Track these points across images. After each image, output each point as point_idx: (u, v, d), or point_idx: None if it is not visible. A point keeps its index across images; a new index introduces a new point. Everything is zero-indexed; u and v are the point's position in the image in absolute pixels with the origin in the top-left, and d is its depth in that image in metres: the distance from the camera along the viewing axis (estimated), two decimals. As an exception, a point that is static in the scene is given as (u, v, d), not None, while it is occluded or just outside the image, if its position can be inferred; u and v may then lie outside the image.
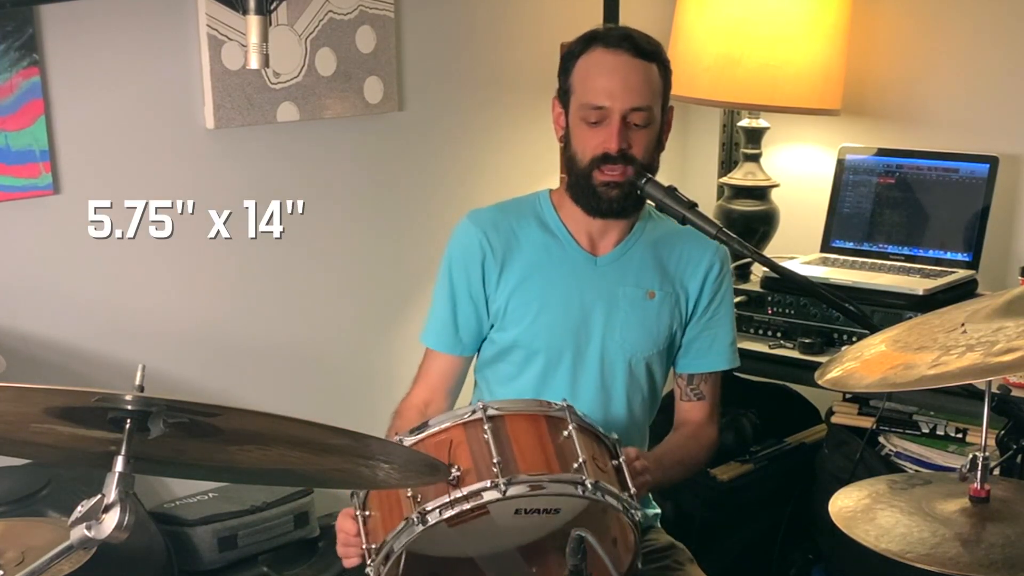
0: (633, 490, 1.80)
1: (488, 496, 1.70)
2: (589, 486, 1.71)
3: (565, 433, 1.78)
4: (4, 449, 1.69)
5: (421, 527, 1.70)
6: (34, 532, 1.71)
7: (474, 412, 1.79)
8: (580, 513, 1.83)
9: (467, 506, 1.70)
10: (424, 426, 1.81)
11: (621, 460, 1.84)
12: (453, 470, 1.72)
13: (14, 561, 1.59)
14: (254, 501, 2.52)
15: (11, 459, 2.09)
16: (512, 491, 1.69)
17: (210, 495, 2.55)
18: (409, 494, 1.73)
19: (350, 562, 1.89)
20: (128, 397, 1.35)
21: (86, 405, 1.37)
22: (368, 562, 1.76)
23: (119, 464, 1.38)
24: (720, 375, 2.31)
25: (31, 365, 2.34)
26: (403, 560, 1.76)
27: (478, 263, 2.23)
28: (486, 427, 1.75)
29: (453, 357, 2.28)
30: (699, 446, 2.26)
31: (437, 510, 1.71)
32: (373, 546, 1.76)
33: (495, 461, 1.71)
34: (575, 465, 1.73)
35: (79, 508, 1.37)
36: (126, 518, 1.37)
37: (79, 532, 1.37)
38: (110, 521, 1.36)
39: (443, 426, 1.80)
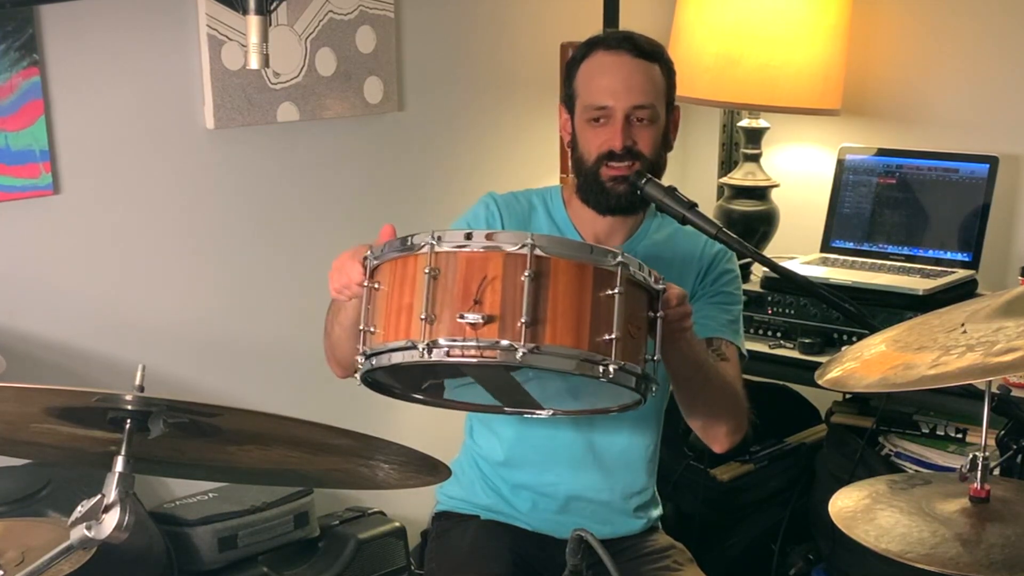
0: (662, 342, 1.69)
1: (505, 358, 1.56)
2: (612, 370, 1.59)
3: (609, 292, 1.61)
4: (4, 449, 1.70)
5: (427, 356, 1.56)
6: (34, 532, 1.70)
7: (521, 246, 1.58)
8: None
9: (483, 358, 1.56)
10: (470, 234, 1.61)
11: (659, 313, 1.71)
12: (479, 308, 1.55)
13: (14, 561, 1.59)
14: (254, 501, 2.52)
15: (11, 459, 2.09)
16: (533, 361, 1.56)
17: (210, 495, 2.55)
18: (421, 313, 1.56)
19: (339, 296, 1.80)
20: (128, 397, 1.35)
21: (86, 405, 1.38)
22: (359, 358, 1.65)
23: (119, 464, 1.38)
24: (736, 353, 2.19)
25: (31, 365, 2.34)
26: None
27: (485, 222, 2.19)
28: (526, 273, 1.56)
29: None
30: (731, 379, 2.12)
31: (446, 348, 1.56)
32: (367, 349, 1.63)
33: (523, 321, 1.55)
34: (606, 337, 1.59)
35: (79, 508, 1.37)
36: (126, 518, 1.37)
37: (79, 532, 1.37)
38: (110, 521, 1.36)
39: (488, 244, 1.59)
